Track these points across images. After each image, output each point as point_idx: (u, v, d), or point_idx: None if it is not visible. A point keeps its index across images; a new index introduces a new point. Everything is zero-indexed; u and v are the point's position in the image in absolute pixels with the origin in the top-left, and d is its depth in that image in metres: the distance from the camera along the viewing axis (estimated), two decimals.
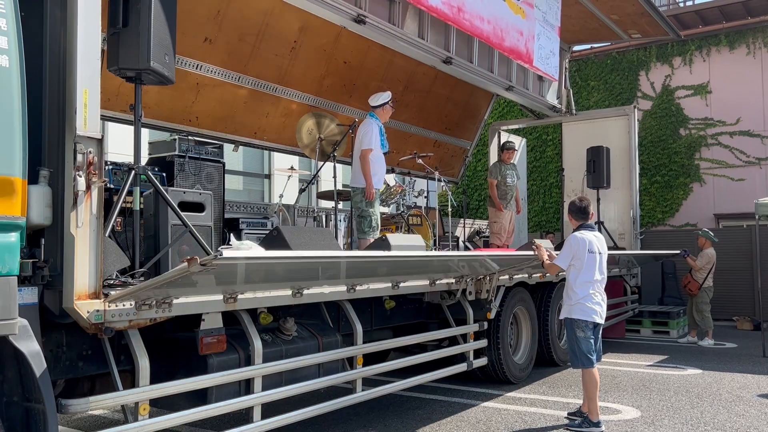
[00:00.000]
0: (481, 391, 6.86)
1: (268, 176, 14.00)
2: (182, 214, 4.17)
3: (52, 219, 3.35)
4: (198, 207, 4.43)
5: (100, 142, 3.41)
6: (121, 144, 8.65)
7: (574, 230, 5.83)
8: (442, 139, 12.58)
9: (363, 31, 7.21)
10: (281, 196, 8.28)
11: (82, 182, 3.30)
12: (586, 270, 5.58)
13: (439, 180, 9.27)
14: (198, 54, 7.78)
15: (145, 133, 7.54)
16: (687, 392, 6.84)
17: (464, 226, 11.75)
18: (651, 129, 15.60)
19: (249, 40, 8.26)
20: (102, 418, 5.69)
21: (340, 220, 7.36)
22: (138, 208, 4.10)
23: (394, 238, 5.96)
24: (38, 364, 3.08)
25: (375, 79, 10.08)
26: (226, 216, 6.98)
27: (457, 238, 10.71)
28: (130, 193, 4.12)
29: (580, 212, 5.83)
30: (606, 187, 11.38)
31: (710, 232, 10.80)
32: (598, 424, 5.42)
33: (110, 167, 5.55)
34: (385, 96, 7.00)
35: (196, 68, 7.85)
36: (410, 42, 7.74)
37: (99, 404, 3.44)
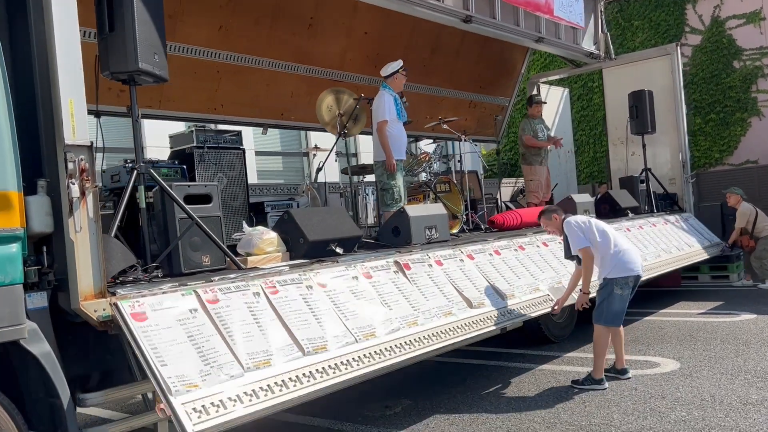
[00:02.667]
0: (519, 352, 6.84)
1: (306, 154, 14.13)
2: (188, 207, 4.30)
3: (54, 226, 3.52)
4: (205, 199, 4.55)
5: (90, 149, 3.55)
6: (148, 137, 8.93)
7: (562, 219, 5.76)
8: (478, 99, 12.34)
9: (377, 0, 7.12)
10: (318, 170, 8.17)
11: (75, 189, 3.45)
12: (603, 235, 5.53)
13: (473, 142, 9.13)
14: (215, 42, 7.89)
15: (168, 126, 7.78)
16: (734, 340, 6.61)
17: (504, 186, 11.56)
18: (702, 65, 14.80)
19: (264, 22, 8.30)
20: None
21: (368, 194, 7.39)
22: (144, 206, 4.25)
23: (412, 209, 5.98)
24: (50, 364, 3.29)
25: (399, 46, 9.93)
26: (252, 200, 7.11)
27: (496, 200, 10.56)
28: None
29: (548, 213, 5.81)
30: (651, 132, 10.90)
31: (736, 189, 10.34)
32: (600, 382, 5.36)
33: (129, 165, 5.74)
34: (395, 65, 6.92)
35: (215, 56, 7.97)
36: (427, 5, 7.56)
37: (114, 396, 3.65)
